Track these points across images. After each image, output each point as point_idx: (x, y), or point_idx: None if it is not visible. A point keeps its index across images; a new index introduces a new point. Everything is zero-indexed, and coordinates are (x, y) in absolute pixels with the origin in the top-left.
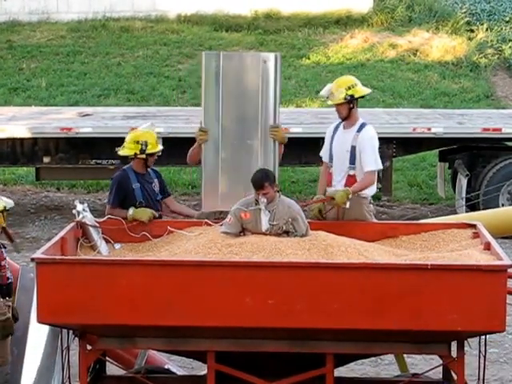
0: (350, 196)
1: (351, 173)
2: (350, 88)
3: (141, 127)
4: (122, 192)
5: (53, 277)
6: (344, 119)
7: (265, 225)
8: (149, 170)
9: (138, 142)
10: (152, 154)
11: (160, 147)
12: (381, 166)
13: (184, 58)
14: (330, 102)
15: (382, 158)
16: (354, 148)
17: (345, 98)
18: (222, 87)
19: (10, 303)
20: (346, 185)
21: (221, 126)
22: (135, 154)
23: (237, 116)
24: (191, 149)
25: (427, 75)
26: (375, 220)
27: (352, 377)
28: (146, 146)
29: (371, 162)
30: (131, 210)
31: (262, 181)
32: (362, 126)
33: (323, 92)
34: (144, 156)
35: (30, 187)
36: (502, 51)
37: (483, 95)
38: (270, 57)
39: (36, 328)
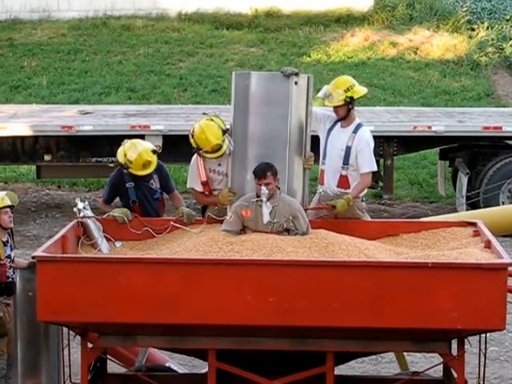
0: (351, 203)
1: (343, 173)
2: (348, 89)
3: (140, 144)
4: (115, 191)
5: (53, 275)
6: (342, 119)
7: (266, 217)
8: None
9: (125, 159)
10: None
11: (147, 171)
12: (376, 168)
13: (185, 56)
14: (328, 104)
15: (382, 156)
16: (348, 148)
17: (344, 100)
18: (251, 107)
19: (10, 301)
20: (338, 185)
21: (249, 146)
22: (121, 165)
23: (265, 137)
24: (206, 197)
25: (428, 73)
26: (368, 216)
27: (352, 375)
28: (128, 166)
29: (368, 163)
30: (115, 209)
31: (265, 169)
32: (358, 126)
33: (321, 94)
34: (126, 171)
35: (30, 185)
36: (503, 50)
37: (484, 94)
38: (302, 78)
39: None
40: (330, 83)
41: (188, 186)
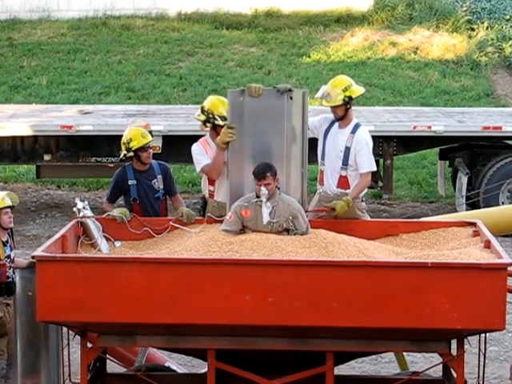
0: (351, 204)
1: (343, 173)
2: (346, 89)
3: (128, 127)
4: (118, 188)
5: (53, 275)
6: (340, 119)
7: (266, 217)
8: (154, 165)
9: (124, 143)
10: (140, 150)
11: (147, 140)
12: (375, 168)
13: (185, 56)
14: (326, 104)
15: (382, 156)
16: (347, 149)
17: (343, 100)
18: (246, 123)
19: (10, 302)
20: (338, 185)
21: (246, 162)
22: (124, 155)
23: (262, 152)
24: (210, 164)
25: (428, 73)
26: (368, 216)
27: (352, 375)
28: (129, 143)
29: (367, 163)
30: (116, 208)
31: (264, 170)
32: (357, 126)
33: (319, 94)
34: (132, 154)
35: (30, 185)
36: (503, 49)
37: (483, 93)
38: (297, 93)
39: None
40: (328, 83)
41: (198, 169)
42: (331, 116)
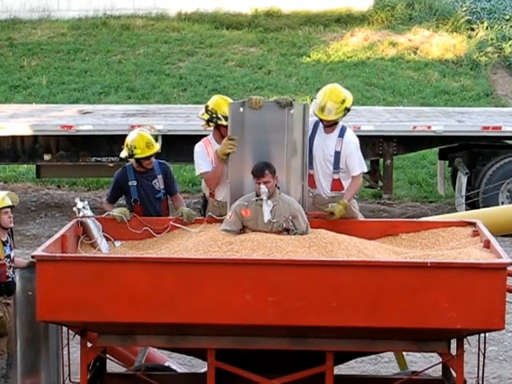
0: (347, 207)
1: (335, 177)
2: (344, 101)
3: (136, 130)
4: (118, 189)
5: (53, 274)
6: (329, 125)
7: (267, 215)
8: (154, 165)
9: (127, 146)
10: (143, 158)
11: (152, 151)
12: (366, 169)
13: (185, 56)
14: (327, 118)
15: (382, 156)
16: (337, 153)
17: (343, 113)
18: (247, 135)
19: (10, 301)
20: (332, 188)
21: (245, 175)
22: (126, 158)
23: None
24: (210, 173)
25: (427, 73)
26: (360, 213)
27: (352, 374)
28: (132, 151)
29: (358, 165)
30: (116, 208)
31: (263, 168)
32: (343, 130)
33: (314, 108)
34: (133, 160)
35: (30, 184)
36: (502, 49)
37: (483, 93)
38: (297, 106)
39: None
40: (322, 95)
41: (198, 172)
42: (311, 120)
